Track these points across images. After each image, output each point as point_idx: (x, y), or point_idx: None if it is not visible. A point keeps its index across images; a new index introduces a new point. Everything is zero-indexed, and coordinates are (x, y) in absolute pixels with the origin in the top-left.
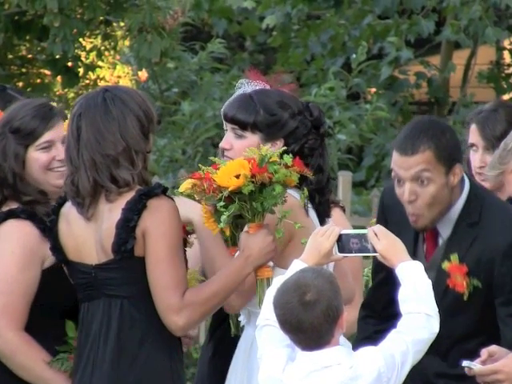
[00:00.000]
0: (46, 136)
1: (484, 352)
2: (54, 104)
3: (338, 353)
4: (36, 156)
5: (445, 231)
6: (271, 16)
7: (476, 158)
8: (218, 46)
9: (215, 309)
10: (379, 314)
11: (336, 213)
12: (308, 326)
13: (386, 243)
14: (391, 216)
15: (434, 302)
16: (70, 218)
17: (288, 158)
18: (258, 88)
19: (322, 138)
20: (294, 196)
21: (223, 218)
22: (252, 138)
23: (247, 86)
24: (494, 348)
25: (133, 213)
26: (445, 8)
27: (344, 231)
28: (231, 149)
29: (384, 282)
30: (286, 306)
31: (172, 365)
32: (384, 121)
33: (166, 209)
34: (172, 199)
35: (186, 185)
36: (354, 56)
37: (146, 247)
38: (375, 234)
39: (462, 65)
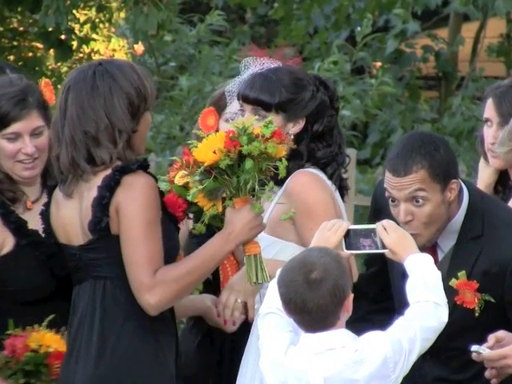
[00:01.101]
0: (13, 127)
1: (491, 338)
2: (36, 85)
3: (343, 335)
4: (3, 144)
5: (445, 244)
6: None
7: (489, 133)
8: (217, 18)
9: (192, 287)
10: (371, 298)
11: None
12: (313, 305)
13: (395, 237)
14: (384, 218)
15: (443, 292)
16: (58, 200)
17: (267, 130)
18: (272, 66)
19: (337, 113)
20: (315, 172)
21: (193, 191)
22: (275, 119)
23: (254, 64)
24: (501, 333)
25: (106, 190)
26: None
27: (352, 226)
28: None
29: (377, 273)
30: (290, 284)
31: (157, 347)
32: (390, 96)
33: (140, 185)
34: (151, 175)
35: (180, 178)
36: (359, 29)
37: (120, 224)
38: (384, 229)
39: (471, 38)
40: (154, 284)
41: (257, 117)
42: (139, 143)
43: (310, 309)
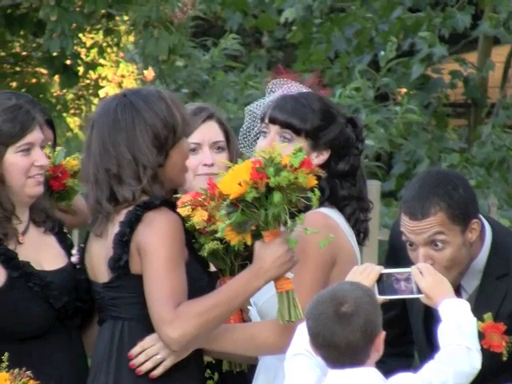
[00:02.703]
0: (28, 137)
1: None
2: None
3: (372, 374)
4: (16, 160)
5: (469, 285)
6: (290, 9)
7: None
8: (231, 42)
9: (216, 323)
10: (389, 341)
11: None
12: (342, 340)
13: (430, 280)
14: (402, 259)
15: (477, 339)
16: (91, 237)
17: (295, 159)
18: (304, 90)
19: (360, 154)
20: (328, 214)
21: (221, 226)
22: (299, 144)
23: (281, 87)
24: None
25: (127, 226)
26: (482, 0)
27: (385, 270)
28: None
29: (396, 317)
30: (319, 317)
31: None
32: (416, 124)
33: (161, 221)
34: (174, 211)
35: (183, 210)
36: (383, 53)
37: (141, 262)
38: (420, 272)
39: (502, 62)
40: (175, 317)
41: (286, 144)
42: (172, 176)
43: (339, 344)
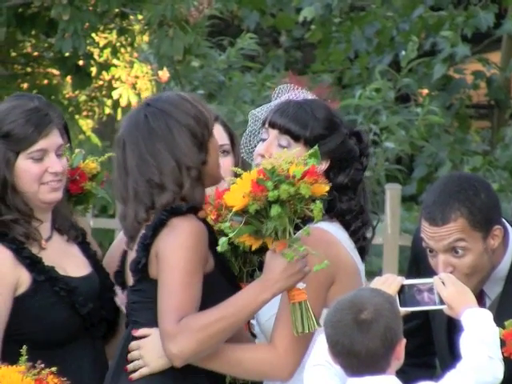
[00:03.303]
0: (40, 143)
1: None
2: (49, 106)
3: (393, 382)
4: (27, 166)
5: (492, 291)
6: (309, 7)
7: None
8: (248, 42)
9: (221, 337)
10: (410, 352)
11: None
12: (361, 348)
13: (453, 291)
14: (425, 265)
15: (499, 349)
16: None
17: (298, 170)
18: (309, 97)
19: (364, 170)
20: (327, 230)
21: (222, 240)
22: (300, 152)
23: (289, 92)
24: None
25: (150, 229)
26: None
27: (406, 281)
28: (270, 157)
29: (418, 328)
30: (338, 324)
31: None
32: (437, 126)
33: (183, 229)
34: (200, 219)
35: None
36: (404, 53)
37: (157, 268)
38: (442, 282)
39: None
40: (177, 332)
41: (294, 155)
42: (212, 172)
43: (359, 352)
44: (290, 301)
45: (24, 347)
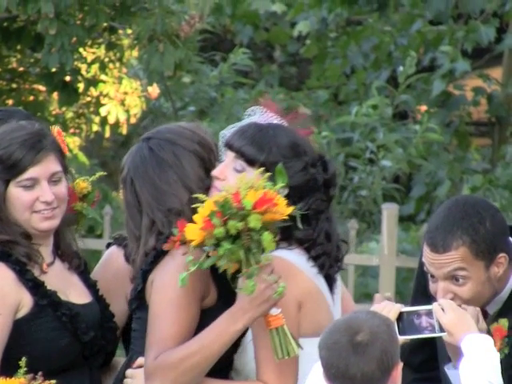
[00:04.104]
0: (30, 172)
1: None
2: (49, 129)
3: None
4: (18, 194)
5: (491, 309)
6: (304, 22)
7: None
8: (241, 57)
9: (196, 372)
10: (416, 367)
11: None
12: (357, 371)
13: (453, 316)
14: (429, 297)
15: (500, 375)
16: None
17: (248, 202)
18: (274, 122)
19: (330, 201)
20: (283, 258)
21: (182, 276)
22: (257, 174)
23: (259, 115)
24: None
25: (152, 256)
26: (507, 12)
27: (405, 308)
28: (224, 180)
29: (423, 344)
30: (333, 346)
31: None
32: (436, 144)
33: (181, 258)
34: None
35: None
36: (402, 68)
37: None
38: (442, 309)
39: None
40: (153, 370)
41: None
42: None
43: (354, 375)
44: (266, 327)
45: (23, 359)
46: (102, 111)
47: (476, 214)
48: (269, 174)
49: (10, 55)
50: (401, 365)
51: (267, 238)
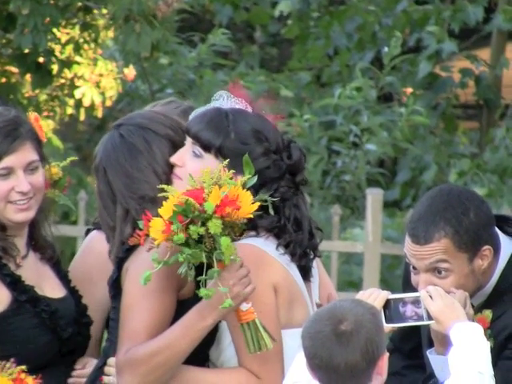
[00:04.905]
0: (6, 161)
1: None
2: (26, 116)
3: None
4: None
5: (475, 302)
6: (286, 1)
7: None
8: (221, 38)
9: (166, 368)
10: (406, 353)
11: (319, 265)
12: (340, 361)
13: (441, 304)
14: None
15: (490, 364)
16: None
17: (209, 205)
18: (237, 107)
19: (297, 188)
20: (254, 245)
21: (146, 274)
22: (211, 163)
23: (226, 100)
24: None
25: (127, 244)
26: None
27: (392, 296)
28: (183, 166)
29: (412, 331)
30: (316, 336)
31: None
32: (422, 127)
33: (160, 246)
34: None
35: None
36: (386, 49)
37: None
38: (430, 296)
39: None
40: (123, 365)
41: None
42: None
43: (337, 365)
44: (238, 322)
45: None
46: (77, 94)
47: (460, 205)
48: (232, 169)
49: None
50: (387, 354)
51: (225, 242)
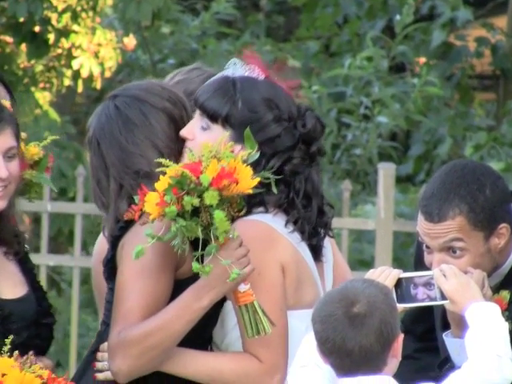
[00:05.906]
0: None
1: None
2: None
3: (388, 382)
4: None
5: (491, 283)
6: None
7: None
8: (225, 6)
9: (160, 350)
10: (418, 335)
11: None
12: (354, 345)
13: (455, 283)
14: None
15: (510, 347)
16: None
17: (206, 178)
18: (247, 74)
19: (313, 159)
20: (262, 221)
21: (137, 249)
22: (219, 133)
23: (238, 68)
24: None
25: (123, 222)
26: None
27: (404, 274)
28: (193, 139)
29: (424, 313)
30: (328, 319)
31: None
32: (436, 99)
33: (156, 223)
34: None
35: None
36: (398, 17)
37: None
38: (443, 275)
39: None
40: (115, 347)
41: (239, 148)
42: None
43: (351, 349)
44: (235, 304)
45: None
46: (75, 64)
47: (475, 181)
48: (232, 142)
49: None
50: (401, 336)
51: (218, 215)
